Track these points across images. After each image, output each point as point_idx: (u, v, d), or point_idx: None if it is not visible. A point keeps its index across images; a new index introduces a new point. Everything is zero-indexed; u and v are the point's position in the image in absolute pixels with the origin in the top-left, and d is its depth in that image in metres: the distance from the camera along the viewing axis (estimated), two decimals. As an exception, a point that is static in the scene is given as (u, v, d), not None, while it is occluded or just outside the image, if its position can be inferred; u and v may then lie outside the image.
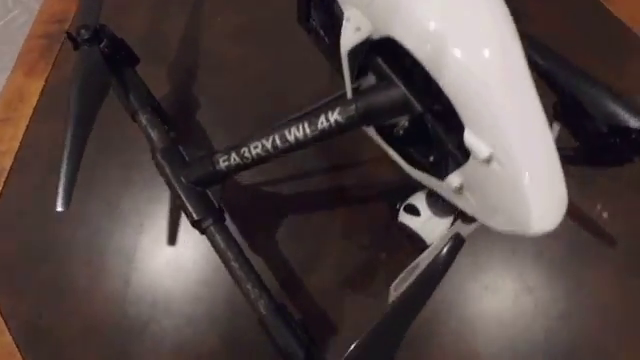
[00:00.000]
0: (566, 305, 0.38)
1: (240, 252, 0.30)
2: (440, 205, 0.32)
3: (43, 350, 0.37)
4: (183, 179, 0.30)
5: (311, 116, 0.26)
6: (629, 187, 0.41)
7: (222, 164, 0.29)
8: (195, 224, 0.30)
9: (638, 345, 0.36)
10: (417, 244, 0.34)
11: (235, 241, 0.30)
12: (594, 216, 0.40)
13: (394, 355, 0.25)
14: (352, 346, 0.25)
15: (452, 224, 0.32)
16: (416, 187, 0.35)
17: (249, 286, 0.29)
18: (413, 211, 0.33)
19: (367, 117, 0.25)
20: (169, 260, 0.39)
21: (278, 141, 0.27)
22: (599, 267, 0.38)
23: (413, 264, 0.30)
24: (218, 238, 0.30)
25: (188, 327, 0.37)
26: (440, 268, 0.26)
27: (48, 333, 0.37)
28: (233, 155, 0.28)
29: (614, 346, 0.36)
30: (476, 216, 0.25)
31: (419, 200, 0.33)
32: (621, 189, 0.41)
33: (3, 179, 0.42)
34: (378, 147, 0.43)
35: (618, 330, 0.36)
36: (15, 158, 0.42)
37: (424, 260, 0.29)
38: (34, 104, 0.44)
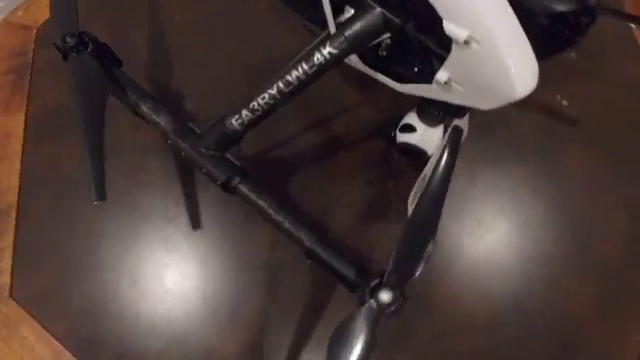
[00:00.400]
0: (555, 181, 0.43)
1: (271, 199, 0.32)
2: (431, 116, 0.36)
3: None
4: (202, 149, 0.32)
5: (306, 56, 0.29)
6: (579, 76, 0.48)
7: (235, 123, 0.31)
8: (224, 186, 0.32)
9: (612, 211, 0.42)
10: (421, 158, 0.38)
11: (264, 191, 0.33)
12: (556, 105, 0.46)
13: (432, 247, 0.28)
14: (391, 261, 0.27)
15: (445, 130, 0.36)
16: (401, 117, 0.39)
17: (288, 225, 0.32)
18: (409, 129, 0.37)
19: (356, 42, 0.28)
20: (198, 245, 0.41)
21: (282, 86, 0.30)
22: (569, 146, 0.45)
23: (422, 175, 0.33)
24: (249, 193, 0.32)
25: (240, 297, 0.39)
26: (448, 160, 0.29)
27: (105, 348, 0.38)
28: (244, 112, 0.31)
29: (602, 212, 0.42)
30: (466, 103, 0.29)
31: (411, 118, 0.37)
32: (573, 79, 0.47)
33: (14, 215, 0.42)
34: (358, 94, 0.47)
35: (596, 197, 0.43)
36: (20, 193, 0.43)
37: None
38: (22, 138, 0.45)
